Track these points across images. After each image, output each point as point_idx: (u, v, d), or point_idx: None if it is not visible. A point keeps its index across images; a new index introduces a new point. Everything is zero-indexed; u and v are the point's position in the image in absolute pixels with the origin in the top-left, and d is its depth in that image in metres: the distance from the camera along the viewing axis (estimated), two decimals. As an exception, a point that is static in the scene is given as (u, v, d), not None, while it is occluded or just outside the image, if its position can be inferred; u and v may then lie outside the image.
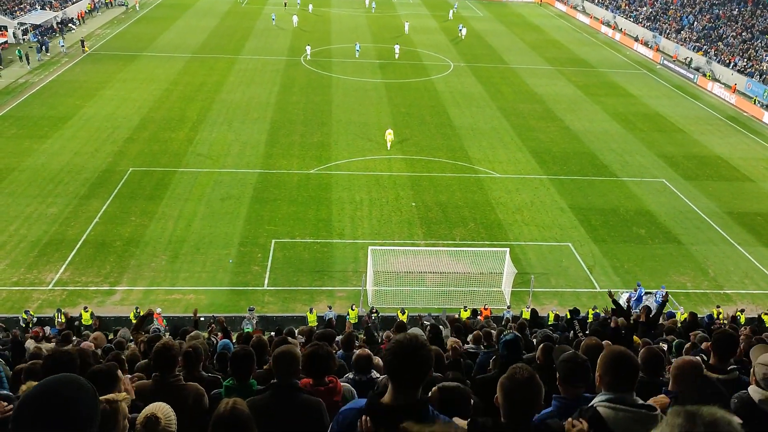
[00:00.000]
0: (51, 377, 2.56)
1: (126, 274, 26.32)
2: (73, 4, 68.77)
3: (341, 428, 3.70)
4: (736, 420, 1.75)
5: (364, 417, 3.44)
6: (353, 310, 23.92)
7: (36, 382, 5.65)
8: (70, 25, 64.35)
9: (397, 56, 59.65)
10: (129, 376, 6.43)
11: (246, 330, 20.50)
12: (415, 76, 55.10)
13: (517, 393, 3.73)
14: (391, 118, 44.48)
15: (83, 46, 56.35)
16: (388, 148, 38.06)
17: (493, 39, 70.02)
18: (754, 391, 4.69)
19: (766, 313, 24.47)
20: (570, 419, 3.85)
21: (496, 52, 64.97)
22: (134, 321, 21.34)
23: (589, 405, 4.01)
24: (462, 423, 3.88)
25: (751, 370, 4.86)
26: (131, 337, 12.79)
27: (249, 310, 23.24)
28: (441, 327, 15.36)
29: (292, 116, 44.06)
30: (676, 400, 4.69)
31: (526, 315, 22.70)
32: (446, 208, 32.77)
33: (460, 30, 68.84)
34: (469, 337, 11.32)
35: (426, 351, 3.38)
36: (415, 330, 13.27)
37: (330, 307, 24.03)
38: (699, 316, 21.78)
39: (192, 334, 12.48)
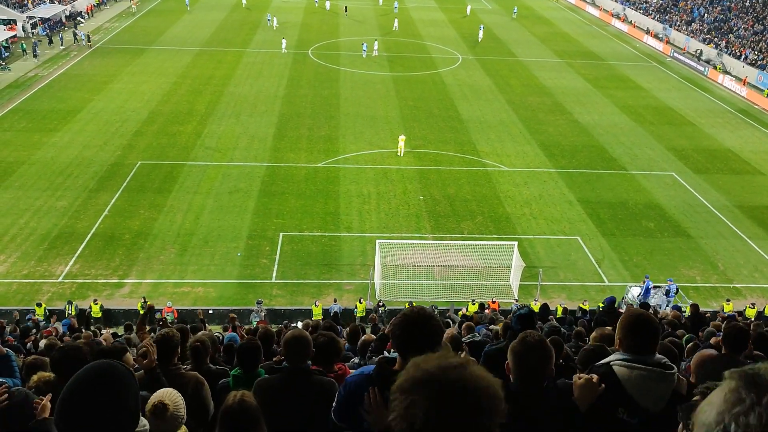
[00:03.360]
0: (93, 363, 2.55)
1: (135, 267, 26.44)
2: (81, -3, 68.95)
3: (348, 396, 3.65)
4: None
5: (372, 388, 3.39)
6: (361, 303, 23.94)
7: (47, 374, 5.69)
8: (78, 18, 64.48)
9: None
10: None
11: (254, 322, 20.58)
12: (423, 69, 54.94)
13: (528, 357, 3.70)
14: (398, 112, 44.41)
15: (89, 41, 56.49)
16: (400, 155, 36.88)
17: (501, 32, 69.68)
18: None
19: (753, 305, 24.35)
20: (578, 373, 3.81)
21: (505, 44, 64.67)
22: (141, 312, 21.48)
23: (604, 362, 3.92)
24: None
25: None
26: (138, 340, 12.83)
27: (257, 303, 23.31)
28: (450, 321, 15.33)
29: (300, 109, 44.05)
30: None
31: (535, 308, 22.65)
32: (454, 201, 32.71)
33: (480, 29, 65.39)
34: (463, 326, 11.28)
35: (434, 320, 3.33)
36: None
37: (335, 300, 24.07)
38: (710, 310, 21.71)
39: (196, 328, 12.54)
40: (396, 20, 68.16)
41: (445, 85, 50.87)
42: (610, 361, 3.88)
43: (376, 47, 57.26)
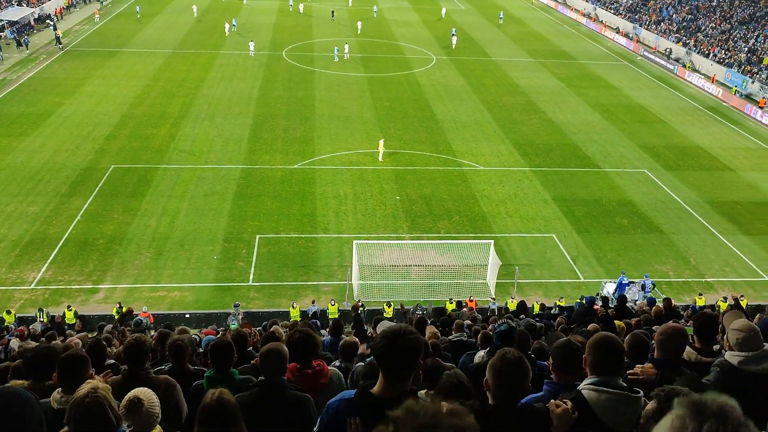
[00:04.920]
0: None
1: (109, 272, 26.11)
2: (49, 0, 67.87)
3: (330, 421, 3.70)
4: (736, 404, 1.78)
5: (354, 418, 3.44)
6: (333, 305, 23.90)
7: (20, 382, 5.62)
8: (47, 21, 63.49)
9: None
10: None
11: (232, 326, 20.46)
12: (397, 69, 55.06)
13: (507, 374, 3.80)
14: (374, 112, 44.45)
15: (59, 43, 55.64)
16: (380, 159, 36.64)
17: (475, 32, 70.10)
18: (731, 356, 4.79)
19: (742, 296, 24.84)
20: (554, 400, 3.91)
21: (479, 45, 65.07)
22: (117, 317, 21.26)
23: (575, 388, 4.07)
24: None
25: (725, 336, 4.96)
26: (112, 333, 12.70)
27: (234, 306, 23.18)
28: (426, 318, 15.39)
29: (275, 111, 43.88)
30: (663, 369, 4.78)
31: (512, 306, 22.84)
32: (430, 201, 32.84)
33: (453, 35, 64.12)
34: (454, 325, 11.38)
35: (412, 336, 3.38)
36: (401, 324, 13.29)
37: (314, 302, 24.03)
38: (682, 305, 22.08)
39: (181, 328, 12.45)
40: (359, 22, 67.50)
41: (420, 86, 51.04)
42: (580, 387, 4.01)
43: (347, 50, 57.04)
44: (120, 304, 23.00)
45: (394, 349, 3.32)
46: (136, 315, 20.95)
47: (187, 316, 23.44)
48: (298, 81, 50.47)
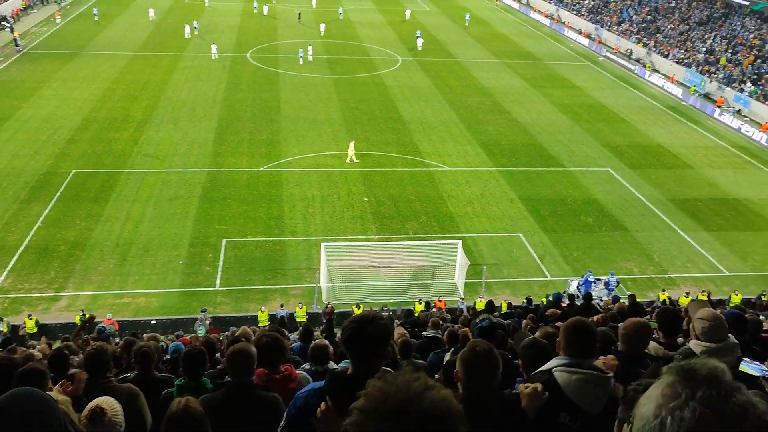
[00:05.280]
0: (12, 392, 2.48)
1: (72, 279, 25.52)
2: (6, 1, 66.16)
3: (299, 411, 3.64)
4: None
5: (325, 399, 3.38)
6: (300, 308, 23.74)
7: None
8: (3, 23, 61.89)
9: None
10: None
11: (199, 332, 20.18)
12: (363, 71, 55.03)
13: (476, 365, 3.80)
14: (340, 114, 44.34)
15: (16, 45, 54.30)
16: (352, 161, 36.27)
17: (440, 33, 70.46)
18: (695, 345, 4.85)
19: (704, 291, 25.41)
20: (524, 384, 3.93)
21: (444, 46, 65.41)
22: (79, 324, 20.76)
23: (545, 368, 4.10)
24: None
25: (690, 325, 5.03)
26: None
27: (201, 312, 22.86)
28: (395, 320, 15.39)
29: (240, 113, 43.46)
30: (624, 360, 4.84)
31: (480, 306, 22.96)
32: (398, 202, 32.87)
33: (418, 37, 63.87)
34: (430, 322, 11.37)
35: (381, 321, 3.36)
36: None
37: (282, 305, 23.85)
38: (646, 300, 22.44)
39: (151, 335, 12.23)
40: (323, 24, 66.85)
41: (386, 87, 51.09)
42: (551, 368, 4.04)
43: (310, 51, 56.69)
44: (83, 311, 22.49)
45: (362, 334, 3.29)
46: (99, 322, 20.49)
47: (153, 322, 23.04)
48: (263, 83, 50.08)
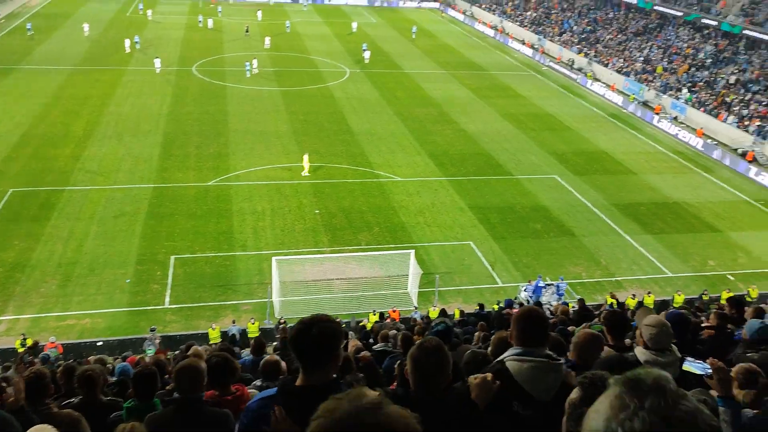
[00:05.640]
0: None
1: (11, 302, 24.53)
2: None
3: (251, 421, 3.55)
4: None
5: (278, 406, 3.30)
6: (252, 324, 23.39)
7: None
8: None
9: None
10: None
11: (148, 352, 19.64)
12: (311, 83, 54.92)
13: (425, 362, 3.79)
14: (289, 126, 44.10)
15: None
16: (306, 174, 36.06)
17: (387, 45, 70.96)
18: (640, 353, 4.94)
19: (649, 293, 26.15)
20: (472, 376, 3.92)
21: (391, 57, 65.88)
22: (20, 350, 19.93)
23: (498, 359, 4.10)
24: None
25: (638, 332, 5.13)
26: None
27: (150, 331, 22.26)
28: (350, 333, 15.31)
29: (186, 127, 42.75)
30: (574, 367, 4.89)
31: (433, 314, 23.06)
32: (350, 213, 32.81)
33: (364, 50, 63.78)
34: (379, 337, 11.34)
35: (327, 323, 3.32)
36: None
37: (234, 322, 23.46)
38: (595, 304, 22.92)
39: (98, 357, 11.84)
40: (267, 38, 66.20)
41: (335, 99, 51.08)
42: (503, 358, 4.05)
43: (255, 65, 56.24)
44: (24, 335, 21.62)
45: (308, 336, 3.26)
46: (42, 346, 19.75)
47: (100, 344, 22.33)
48: (209, 96, 49.43)
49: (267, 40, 65.65)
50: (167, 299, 25.46)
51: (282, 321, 23.72)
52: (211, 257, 28.30)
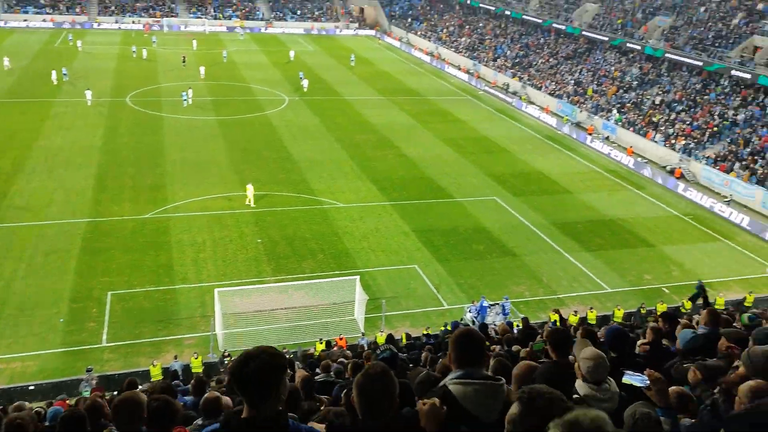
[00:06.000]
0: None
1: (-66, 348, 23.11)
2: None
3: None
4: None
5: None
6: (196, 358, 22.74)
7: None
8: None
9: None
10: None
11: (84, 393, 18.77)
12: (249, 111, 54.53)
13: (371, 388, 3.71)
14: (228, 155, 43.55)
15: None
16: (250, 205, 35.53)
17: (325, 73, 71.31)
18: (580, 386, 4.96)
19: (591, 308, 26.75)
20: (421, 400, 3.87)
21: (330, 85, 66.18)
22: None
23: (441, 384, 4.09)
24: (321, 427, 3.79)
25: (576, 365, 5.16)
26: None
27: (87, 371, 21.29)
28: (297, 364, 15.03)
29: (121, 159, 41.67)
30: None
31: (381, 340, 22.94)
32: (293, 241, 32.48)
33: (301, 78, 63.85)
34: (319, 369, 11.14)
35: (269, 355, 3.28)
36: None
37: (176, 357, 22.72)
38: (539, 322, 23.24)
39: (16, 404, 11.20)
40: (202, 68, 65.08)
41: (274, 127, 50.82)
42: (445, 382, 4.03)
43: (190, 94, 55.42)
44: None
45: (249, 369, 3.21)
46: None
47: (32, 388, 21.20)
48: (145, 127, 48.42)
49: (202, 70, 64.77)
50: (104, 337, 24.49)
51: (226, 354, 23.16)
52: (150, 291, 27.44)
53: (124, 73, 64.69)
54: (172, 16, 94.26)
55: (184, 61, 69.41)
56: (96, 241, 31.07)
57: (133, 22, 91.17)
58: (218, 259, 30.30)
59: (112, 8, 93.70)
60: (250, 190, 35.81)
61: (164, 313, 26.15)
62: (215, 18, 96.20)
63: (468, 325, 20.24)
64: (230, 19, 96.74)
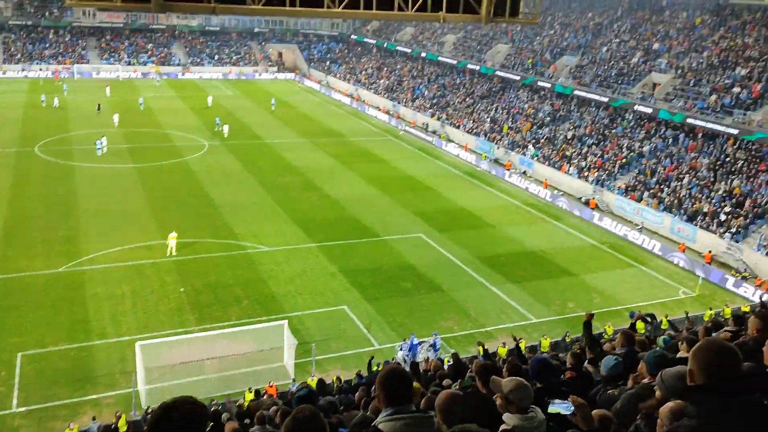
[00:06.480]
0: None
1: None
2: None
3: None
4: None
5: None
6: (119, 418, 21.53)
7: None
8: None
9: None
10: None
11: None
12: (168, 158, 53.34)
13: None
14: (146, 203, 42.28)
15: None
16: (172, 254, 34.38)
17: (246, 116, 70.90)
18: (507, 418, 4.96)
19: (521, 339, 27.14)
20: None
21: (251, 128, 65.78)
22: None
23: (372, 425, 4.08)
24: None
25: (497, 398, 5.16)
26: None
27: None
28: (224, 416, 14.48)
29: (30, 211, 39.71)
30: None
31: (312, 384, 22.46)
32: (217, 288, 31.61)
33: (219, 125, 62.67)
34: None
35: (189, 406, 3.16)
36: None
37: (94, 418, 21.45)
38: (469, 356, 23.37)
39: None
40: (116, 115, 62.66)
41: (194, 173, 49.86)
42: (376, 423, 4.01)
43: (105, 143, 53.69)
44: None
45: (168, 421, 3.07)
46: None
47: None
48: (56, 177, 46.48)
49: (115, 117, 62.45)
50: (14, 402, 22.86)
51: (149, 411, 22.04)
52: (65, 350, 25.94)
53: (33, 121, 62.20)
54: (83, 63, 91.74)
55: (99, 109, 67.38)
56: (4, 299, 29.26)
57: (41, 70, 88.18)
58: (138, 311, 29.08)
59: (18, 56, 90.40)
60: (171, 238, 34.74)
61: (81, 372, 24.73)
62: (129, 64, 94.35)
63: (399, 363, 20.13)
64: (145, 65, 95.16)
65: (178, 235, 35.63)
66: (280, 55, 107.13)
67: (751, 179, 42.86)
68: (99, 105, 68.33)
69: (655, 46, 60.18)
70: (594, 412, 5.39)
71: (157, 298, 30.27)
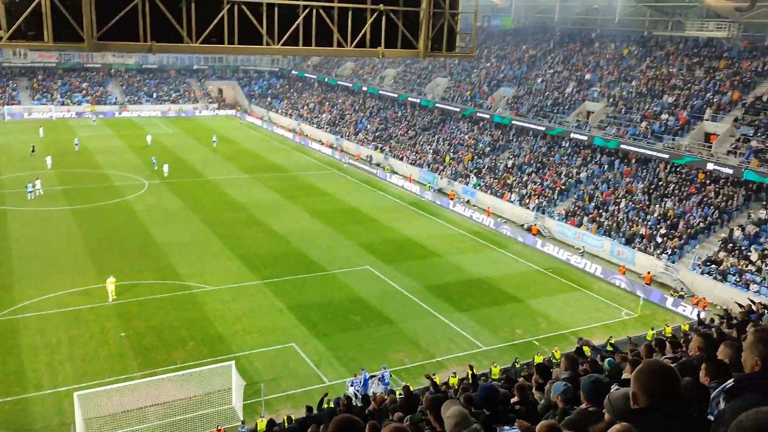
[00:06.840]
0: None
1: None
2: None
3: None
4: None
5: None
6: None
7: None
8: None
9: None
10: None
11: None
12: (106, 198, 51.92)
13: None
14: (84, 246, 40.90)
15: None
16: (110, 300, 33.20)
17: (186, 154, 69.87)
18: None
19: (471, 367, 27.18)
20: None
21: (192, 166, 64.81)
22: None
23: None
24: None
25: (445, 425, 5.15)
26: None
27: None
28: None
29: (-40, 259, 37.85)
30: None
31: (261, 426, 21.95)
32: (161, 331, 30.65)
33: (154, 163, 61.78)
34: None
35: None
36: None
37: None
38: (421, 388, 23.26)
39: None
40: (49, 157, 60.59)
41: (134, 212, 48.63)
42: None
43: (39, 185, 51.98)
44: None
45: None
46: None
47: None
48: (-13, 222, 44.52)
49: (48, 160, 60.24)
50: (-58, 464, 21.46)
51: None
52: (-3, 404, 24.57)
53: (-39, 165, 59.71)
54: (13, 104, 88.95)
55: (33, 151, 65.05)
56: (-71, 354, 27.61)
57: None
58: (76, 359, 27.87)
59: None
60: (110, 283, 33.57)
61: (15, 426, 23.43)
62: (62, 104, 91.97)
63: (351, 398, 19.81)
64: (80, 104, 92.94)
65: (119, 277, 34.55)
66: (220, 91, 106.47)
67: (683, 201, 44.66)
68: (33, 146, 66.07)
69: (587, 76, 62.54)
70: (541, 423, 5.39)
71: (97, 345, 29.13)
